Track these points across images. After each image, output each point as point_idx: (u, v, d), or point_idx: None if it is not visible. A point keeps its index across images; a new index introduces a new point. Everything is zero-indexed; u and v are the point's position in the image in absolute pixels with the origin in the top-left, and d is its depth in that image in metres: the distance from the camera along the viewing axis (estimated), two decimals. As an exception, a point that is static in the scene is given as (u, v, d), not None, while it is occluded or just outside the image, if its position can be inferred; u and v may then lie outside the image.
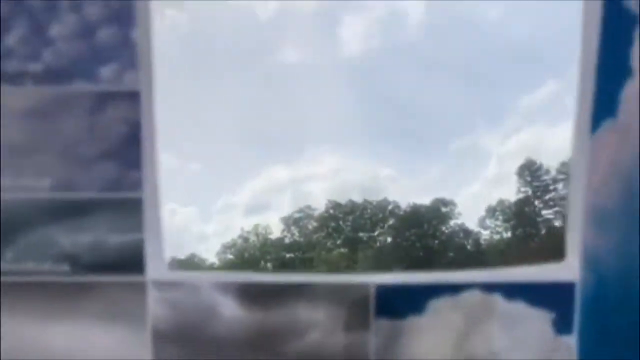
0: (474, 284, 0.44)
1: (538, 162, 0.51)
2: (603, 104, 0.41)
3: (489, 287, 0.44)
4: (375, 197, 0.50)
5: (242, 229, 0.48)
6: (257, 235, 0.48)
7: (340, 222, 0.50)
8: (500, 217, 0.50)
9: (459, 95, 0.45)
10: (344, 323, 0.44)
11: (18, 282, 0.45)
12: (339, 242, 0.49)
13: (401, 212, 0.51)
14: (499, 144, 0.46)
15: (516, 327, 0.44)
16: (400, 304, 0.44)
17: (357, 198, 0.51)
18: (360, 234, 0.50)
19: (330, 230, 0.50)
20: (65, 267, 0.45)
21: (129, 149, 0.44)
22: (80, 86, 0.43)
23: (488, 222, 0.50)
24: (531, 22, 0.43)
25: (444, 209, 0.51)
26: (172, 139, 0.44)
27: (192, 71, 0.43)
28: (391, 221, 0.50)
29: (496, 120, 0.45)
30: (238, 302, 0.44)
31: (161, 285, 0.45)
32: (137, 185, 0.44)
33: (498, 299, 0.44)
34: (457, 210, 0.50)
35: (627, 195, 0.43)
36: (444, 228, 0.49)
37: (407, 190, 0.48)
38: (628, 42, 0.40)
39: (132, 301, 0.45)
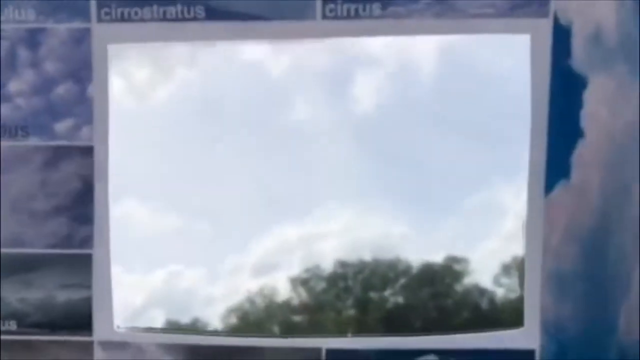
0: (429, 350, 0.43)
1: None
2: (556, 165, 0.41)
3: (446, 354, 0.42)
4: (387, 255, 0.49)
5: (248, 290, 0.46)
6: (263, 297, 0.46)
7: (350, 282, 0.48)
8: (516, 275, 0.48)
9: (472, 151, 0.43)
10: (295, 389, 0.43)
11: (-38, 340, 0.44)
12: (348, 302, 0.47)
13: (413, 271, 0.49)
14: (515, 199, 0.43)
15: (474, 398, 0.42)
16: (353, 370, 0.43)
17: (369, 256, 0.49)
18: (371, 294, 0.48)
19: (339, 290, 0.48)
20: (12, 325, 0.44)
21: (81, 205, 0.43)
22: (35, 141, 0.43)
23: (503, 280, 0.47)
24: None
25: (457, 267, 0.50)
26: (178, 197, 0.44)
27: (200, 128, 0.43)
28: (402, 280, 0.48)
29: (511, 175, 0.43)
30: (186, 364, 0.43)
31: (108, 345, 0.43)
32: (88, 242, 0.43)
33: (454, 367, 0.42)
34: (471, 268, 0.48)
35: (585, 259, 0.42)
36: (457, 287, 0.47)
37: (421, 248, 0.47)
38: (578, 103, 0.40)
39: (78, 362, 0.43)
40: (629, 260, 0.42)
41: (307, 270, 0.47)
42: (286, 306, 0.46)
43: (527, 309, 0.42)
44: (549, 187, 0.42)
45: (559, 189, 0.42)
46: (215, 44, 0.43)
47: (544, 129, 0.41)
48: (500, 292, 0.45)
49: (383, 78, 0.44)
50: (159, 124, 0.45)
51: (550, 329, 0.42)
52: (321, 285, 0.47)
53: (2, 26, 0.43)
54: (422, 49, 0.43)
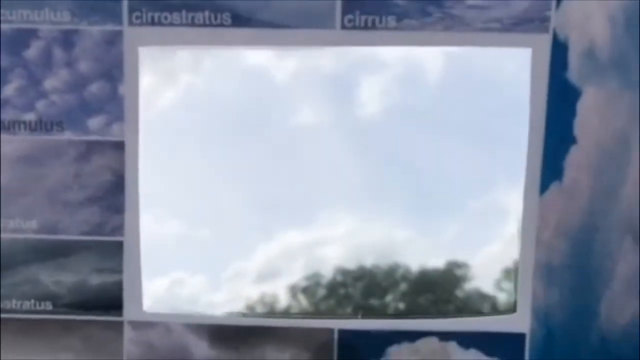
0: (431, 332, 0.47)
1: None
2: (550, 168, 0.45)
3: (446, 336, 0.47)
4: (391, 260, 0.49)
5: (248, 298, 0.48)
6: (263, 304, 0.47)
7: (350, 289, 0.49)
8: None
9: (475, 154, 0.45)
10: (309, 366, 0.47)
11: (2, 319, 0.47)
12: (348, 310, 0.48)
13: (413, 277, 0.49)
14: (518, 202, 0.46)
15: (470, 375, 0.47)
16: (362, 349, 0.47)
17: (374, 261, 0.49)
18: (371, 301, 0.49)
19: (339, 297, 0.49)
20: (48, 306, 0.47)
21: (113, 195, 0.47)
22: (69, 135, 0.46)
23: (504, 284, 0.49)
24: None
25: (458, 272, 0.50)
26: (180, 205, 0.46)
27: (204, 134, 0.46)
28: (403, 286, 0.49)
29: (514, 178, 0.45)
30: (209, 343, 0.47)
31: (137, 325, 0.47)
32: (119, 230, 0.47)
33: (453, 347, 0.47)
34: (472, 273, 0.49)
35: (573, 253, 0.46)
36: (458, 292, 0.49)
37: (424, 252, 0.48)
38: (572, 111, 0.44)
39: (109, 340, 0.47)
40: (613, 255, 0.46)
41: (308, 277, 0.49)
42: (285, 314, 0.48)
43: (519, 297, 0.46)
44: (543, 187, 0.46)
45: (552, 190, 0.46)
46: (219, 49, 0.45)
47: (540, 135, 0.45)
48: (502, 297, 0.48)
49: (387, 83, 0.47)
50: (162, 130, 0.47)
51: (540, 315, 0.47)
52: (322, 292, 0.49)
53: (38, 26, 0.46)
54: (428, 57, 0.46)
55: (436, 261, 0.48)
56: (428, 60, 0.46)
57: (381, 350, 0.47)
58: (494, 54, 0.45)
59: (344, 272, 0.49)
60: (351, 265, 0.49)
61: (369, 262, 0.48)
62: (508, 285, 0.48)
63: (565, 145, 0.45)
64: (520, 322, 0.46)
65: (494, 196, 0.47)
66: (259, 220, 0.47)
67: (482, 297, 0.48)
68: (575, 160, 0.45)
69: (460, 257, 0.48)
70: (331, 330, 0.47)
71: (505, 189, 0.47)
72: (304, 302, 0.48)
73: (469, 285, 0.49)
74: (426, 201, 0.48)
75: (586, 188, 0.45)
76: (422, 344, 0.47)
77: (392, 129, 0.46)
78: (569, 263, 0.46)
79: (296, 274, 0.48)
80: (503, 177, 0.47)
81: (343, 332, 0.47)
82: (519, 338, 0.47)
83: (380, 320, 0.47)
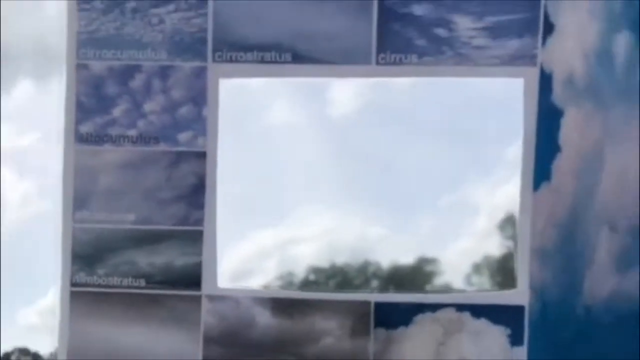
0: (449, 304, 0.58)
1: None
2: (541, 171, 0.57)
3: (461, 307, 0.58)
4: (364, 256, 0.54)
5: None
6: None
7: (322, 287, 0.55)
8: (487, 273, 0.55)
9: (445, 151, 0.51)
10: (351, 331, 0.58)
11: (105, 292, 0.59)
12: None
13: (384, 274, 0.55)
14: (487, 196, 0.51)
15: (481, 339, 0.58)
16: (393, 317, 0.58)
17: (347, 258, 0.54)
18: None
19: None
20: (142, 282, 0.59)
21: (196, 194, 0.59)
22: (163, 147, 0.59)
23: (474, 279, 0.54)
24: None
25: (428, 268, 0.56)
26: None
27: None
28: (374, 283, 0.55)
29: (482, 173, 0.50)
30: (271, 313, 0.59)
31: (212, 298, 0.59)
32: (200, 221, 0.59)
33: (467, 316, 0.58)
34: (442, 269, 0.55)
35: (562, 240, 0.58)
36: (428, 288, 0.55)
37: (397, 249, 0.52)
38: (557, 127, 0.57)
39: (190, 310, 0.59)
40: (592, 241, 0.58)
41: (281, 276, 0.55)
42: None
43: (519, 276, 0.58)
44: (535, 186, 0.58)
45: (543, 189, 0.58)
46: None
47: (532, 145, 0.58)
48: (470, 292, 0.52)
49: (360, 84, 0.51)
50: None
51: (536, 291, 0.58)
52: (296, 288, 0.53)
53: (142, 63, 0.59)
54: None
55: (408, 257, 0.53)
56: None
57: (409, 319, 0.58)
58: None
59: (317, 271, 0.54)
60: (324, 263, 0.54)
61: (342, 260, 0.53)
62: (478, 279, 0.57)
63: (552, 153, 0.57)
64: (520, 296, 0.57)
65: (464, 191, 0.54)
66: (233, 219, 0.53)
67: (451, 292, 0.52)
68: (561, 165, 0.57)
69: (432, 252, 0.54)
70: (368, 303, 0.58)
71: (475, 183, 0.53)
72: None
73: (439, 280, 0.55)
74: (399, 198, 0.52)
75: (570, 187, 0.57)
76: (442, 313, 0.58)
77: (366, 128, 0.52)
78: (558, 248, 0.58)
79: (270, 273, 0.53)
80: (474, 175, 0.53)
81: (378, 305, 0.58)
82: (519, 309, 0.58)
83: (409, 294, 0.58)
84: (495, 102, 0.58)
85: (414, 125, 0.55)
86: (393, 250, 0.53)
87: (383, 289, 0.57)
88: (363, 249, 0.54)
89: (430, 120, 0.55)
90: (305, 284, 0.57)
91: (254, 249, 0.57)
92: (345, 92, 0.54)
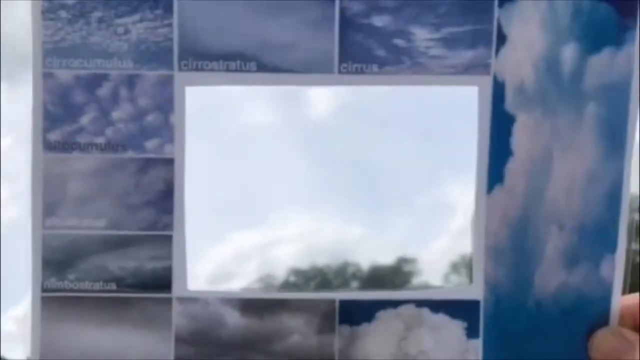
0: (409, 300, 0.62)
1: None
2: (494, 174, 0.61)
3: (420, 303, 0.62)
4: (343, 258, 0.55)
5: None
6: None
7: (303, 288, 0.56)
8: (464, 272, 0.56)
9: (420, 150, 0.52)
10: (317, 328, 0.61)
11: (77, 297, 0.60)
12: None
13: (363, 274, 0.56)
14: (464, 195, 0.53)
15: (439, 333, 0.62)
16: (357, 314, 0.61)
17: (327, 259, 0.55)
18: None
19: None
20: (113, 286, 0.61)
21: (164, 200, 0.61)
22: (131, 154, 0.61)
23: (452, 277, 0.56)
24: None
25: (406, 268, 0.57)
26: None
27: None
28: (354, 284, 0.56)
29: (458, 171, 0.52)
30: (240, 313, 0.61)
31: (182, 300, 0.61)
32: (169, 226, 0.61)
33: (426, 312, 0.62)
34: (420, 268, 0.56)
35: (514, 238, 0.62)
36: (407, 287, 0.56)
37: (376, 249, 0.53)
38: (509, 132, 0.60)
39: (161, 312, 0.61)
40: (542, 239, 0.62)
41: (261, 279, 0.56)
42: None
43: (474, 272, 0.62)
44: (489, 189, 0.61)
45: (496, 190, 0.61)
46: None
47: (486, 150, 0.61)
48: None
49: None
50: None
51: (490, 286, 0.62)
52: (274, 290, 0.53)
53: (108, 72, 0.60)
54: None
55: (387, 257, 0.55)
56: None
57: (371, 315, 0.61)
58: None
59: (297, 273, 0.56)
60: (304, 265, 0.56)
61: (321, 261, 0.54)
62: (456, 278, 0.62)
63: (504, 157, 0.61)
64: (475, 291, 0.61)
65: (441, 189, 0.58)
66: (211, 221, 0.54)
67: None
68: (513, 168, 0.61)
69: (410, 252, 0.58)
70: (333, 301, 0.61)
71: (452, 185, 0.58)
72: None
73: (418, 280, 0.57)
74: (377, 199, 0.55)
75: (521, 189, 0.61)
76: (403, 309, 0.61)
77: (342, 128, 0.56)
78: (510, 246, 0.61)
79: (249, 275, 0.54)
80: (449, 174, 0.59)
81: (342, 302, 0.61)
82: (475, 304, 0.61)
83: (371, 292, 0.62)
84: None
85: (388, 127, 0.56)
86: (372, 250, 0.55)
87: (362, 288, 0.59)
88: (342, 249, 0.56)
89: (402, 122, 0.58)
90: (285, 286, 0.59)
91: (233, 252, 0.59)
92: (319, 93, 0.56)
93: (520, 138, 0.61)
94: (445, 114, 0.62)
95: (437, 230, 0.59)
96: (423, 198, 0.56)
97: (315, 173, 0.55)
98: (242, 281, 0.59)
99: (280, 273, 0.59)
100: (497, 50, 0.60)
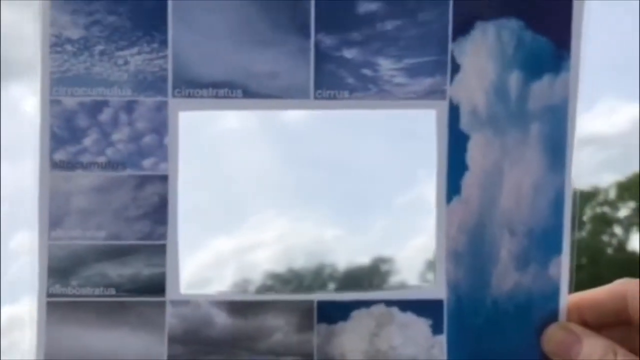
0: (380, 300, 0.69)
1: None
2: (452, 186, 0.69)
3: (390, 302, 0.69)
4: (320, 260, 0.58)
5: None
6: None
7: (280, 291, 0.59)
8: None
9: (397, 149, 0.56)
10: (297, 327, 0.67)
11: (79, 302, 0.66)
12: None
13: (340, 275, 0.60)
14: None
15: (407, 330, 0.68)
16: (334, 314, 0.68)
17: (304, 262, 0.61)
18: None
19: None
20: (112, 291, 0.67)
21: (159, 212, 0.68)
22: (130, 172, 0.68)
23: (428, 276, 0.59)
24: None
25: (384, 267, 0.64)
26: None
27: None
28: (331, 285, 0.60)
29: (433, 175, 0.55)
30: (227, 314, 0.67)
31: (175, 303, 0.67)
32: (163, 236, 0.68)
33: (396, 310, 0.69)
34: (397, 267, 0.59)
35: (471, 243, 0.69)
36: (384, 287, 0.59)
37: (354, 250, 0.54)
38: (464, 150, 0.69)
39: (156, 314, 0.67)
40: (496, 244, 0.70)
41: (237, 283, 0.61)
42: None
43: (437, 274, 0.69)
44: (448, 200, 0.69)
45: (454, 201, 0.69)
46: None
47: (444, 166, 0.69)
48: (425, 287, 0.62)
49: None
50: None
51: (451, 286, 0.69)
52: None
53: (109, 99, 0.68)
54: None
55: (364, 258, 0.61)
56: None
57: (347, 314, 0.68)
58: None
59: (274, 277, 0.62)
60: (281, 268, 0.61)
61: (298, 264, 0.60)
62: (432, 276, 0.69)
63: (461, 171, 0.69)
64: (439, 291, 0.69)
65: (419, 188, 0.66)
66: (188, 227, 0.57)
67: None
68: (468, 181, 0.69)
69: (390, 250, 0.64)
70: (312, 301, 0.68)
71: (429, 180, 0.65)
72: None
73: (395, 279, 0.63)
74: (354, 200, 0.60)
75: (476, 199, 0.69)
76: (375, 309, 0.68)
77: (317, 131, 0.61)
78: (469, 250, 0.69)
79: (227, 280, 0.60)
80: (426, 169, 0.67)
81: (320, 303, 0.68)
82: (439, 303, 0.69)
83: (346, 293, 0.69)
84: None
85: (361, 129, 0.61)
86: (349, 251, 0.59)
87: (339, 289, 0.66)
88: (319, 251, 0.62)
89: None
90: (263, 289, 0.66)
91: (212, 258, 0.66)
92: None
93: (475, 154, 0.69)
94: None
95: (414, 229, 0.64)
96: (400, 198, 0.61)
97: (291, 176, 0.59)
98: (220, 285, 0.64)
99: (258, 277, 0.64)
100: (452, 78, 0.69)
